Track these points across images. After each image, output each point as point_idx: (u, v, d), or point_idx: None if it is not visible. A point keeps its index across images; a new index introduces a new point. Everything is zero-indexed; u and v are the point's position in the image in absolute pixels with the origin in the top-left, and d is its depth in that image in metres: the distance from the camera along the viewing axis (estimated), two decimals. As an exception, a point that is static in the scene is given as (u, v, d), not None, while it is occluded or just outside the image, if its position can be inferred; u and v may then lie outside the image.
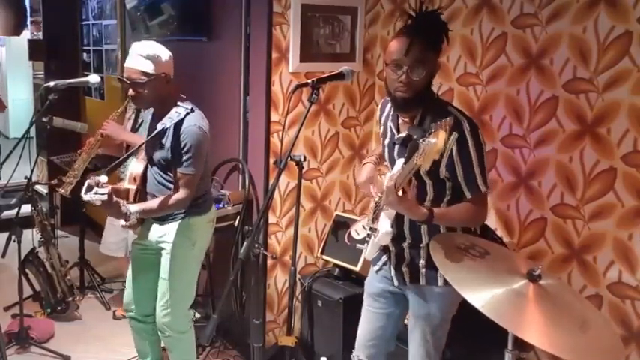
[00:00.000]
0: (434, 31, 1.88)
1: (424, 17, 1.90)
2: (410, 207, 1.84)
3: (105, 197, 2.17)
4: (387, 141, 2.08)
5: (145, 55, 2.35)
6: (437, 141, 1.58)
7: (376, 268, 2.19)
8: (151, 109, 2.61)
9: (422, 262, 2.03)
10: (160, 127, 2.41)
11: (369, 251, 2.09)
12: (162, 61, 2.37)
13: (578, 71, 2.34)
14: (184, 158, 2.39)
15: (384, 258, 2.14)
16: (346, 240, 2.25)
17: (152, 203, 2.46)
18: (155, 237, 2.60)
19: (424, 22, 1.88)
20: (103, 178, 2.21)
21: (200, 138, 2.39)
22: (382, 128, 2.12)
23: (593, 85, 2.29)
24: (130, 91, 2.40)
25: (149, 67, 2.35)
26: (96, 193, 2.16)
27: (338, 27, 3.09)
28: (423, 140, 1.61)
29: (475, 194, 1.90)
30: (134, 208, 2.35)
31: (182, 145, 2.38)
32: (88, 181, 2.19)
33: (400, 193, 1.81)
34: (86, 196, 2.16)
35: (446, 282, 1.97)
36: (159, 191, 2.52)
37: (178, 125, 2.38)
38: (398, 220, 2.00)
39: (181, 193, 2.43)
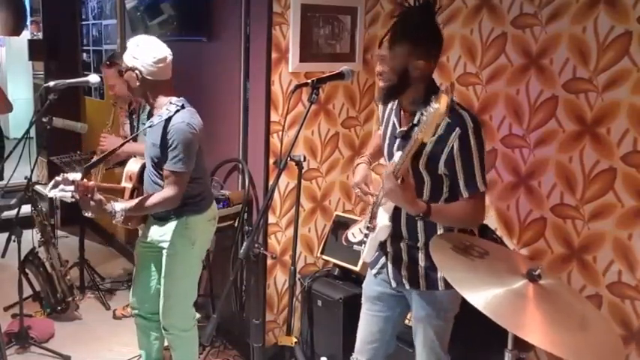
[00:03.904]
0: (409, 26, 1.85)
1: (406, 12, 1.89)
2: (409, 197, 1.80)
3: (69, 194, 2.14)
4: (387, 135, 2.07)
5: (128, 47, 2.41)
6: (439, 105, 1.56)
7: (374, 271, 2.18)
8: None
9: (421, 266, 2.02)
10: (148, 124, 2.42)
11: (367, 251, 2.08)
12: (137, 57, 2.38)
13: (578, 71, 2.34)
14: (172, 155, 2.38)
15: (382, 261, 2.13)
16: (343, 242, 2.25)
17: (139, 201, 2.45)
18: (155, 236, 2.61)
19: (403, 17, 1.88)
20: (76, 176, 2.17)
21: (188, 135, 2.37)
22: (384, 123, 2.12)
23: (593, 85, 2.29)
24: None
25: (127, 59, 2.40)
26: (61, 190, 2.13)
27: (338, 27, 3.09)
28: (425, 111, 1.59)
29: (473, 193, 1.88)
30: (119, 206, 2.34)
31: (169, 143, 2.37)
32: (56, 177, 2.16)
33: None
34: (50, 193, 2.14)
35: (447, 286, 1.97)
36: (154, 190, 2.51)
37: (167, 122, 2.38)
38: (395, 217, 1.99)
39: (169, 191, 2.41)
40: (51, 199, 5.05)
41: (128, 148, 2.87)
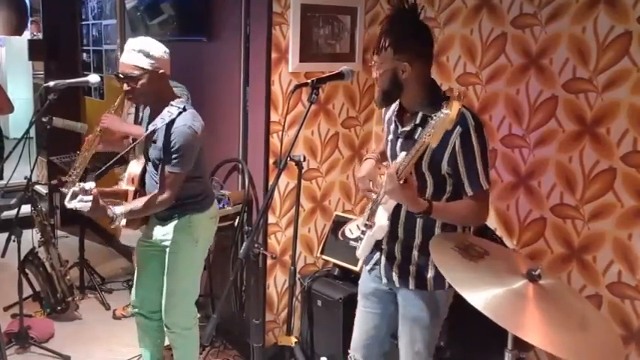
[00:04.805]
0: (391, 31, 1.87)
1: (389, 17, 1.91)
2: (410, 196, 1.80)
3: (89, 204, 2.15)
4: (390, 136, 2.08)
5: (137, 50, 2.34)
6: (450, 112, 1.57)
7: (368, 267, 2.19)
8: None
9: (413, 265, 2.02)
10: (151, 127, 2.41)
11: (362, 248, 2.08)
12: (154, 55, 2.35)
13: (578, 71, 2.34)
14: (172, 157, 2.38)
15: (376, 257, 2.13)
16: (340, 236, 2.25)
17: (136, 203, 2.45)
18: (158, 236, 2.62)
19: (387, 22, 1.90)
20: (89, 185, 2.18)
21: (190, 138, 2.38)
22: (386, 123, 2.12)
23: (593, 85, 2.29)
24: (125, 86, 2.40)
25: (141, 62, 2.34)
26: (80, 201, 2.14)
27: (338, 27, 3.09)
28: (434, 115, 1.60)
29: (476, 191, 1.89)
30: (119, 210, 2.34)
31: (172, 145, 2.37)
32: (72, 188, 2.16)
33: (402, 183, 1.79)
34: (70, 204, 2.14)
35: (435, 286, 1.98)
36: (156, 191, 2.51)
37: (170, 125, 2.38)
38: (393, 217, 1.99)
39: (164, 192, 2.42)
40: (51, 198, 5.07)
41: (137, 131, 2.89)
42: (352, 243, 2.14)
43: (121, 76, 2.37)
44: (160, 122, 2.38)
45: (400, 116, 2.03)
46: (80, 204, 2.14)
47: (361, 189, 2.17)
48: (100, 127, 3.17)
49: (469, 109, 1.89)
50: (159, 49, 2.38)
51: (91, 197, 2.16)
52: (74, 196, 2.15)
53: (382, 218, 1.97)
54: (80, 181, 3.17)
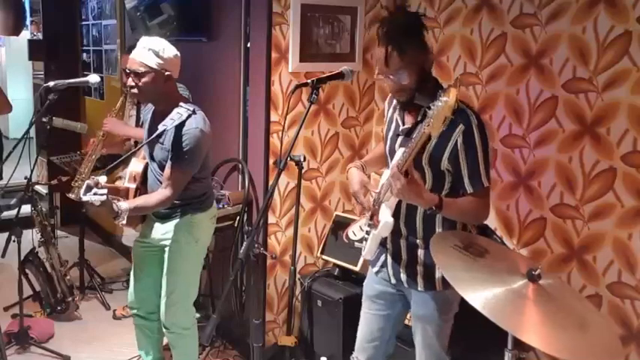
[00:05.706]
0: (406, 32, 1.84)
1: (393, 21, 1.87)
2: (420, 191, 1.79)
3: (104, 197, 2.18)
4: (390, 133, 2.07)
5: (148, 48, 2.37)
6: (448, 99, 1.55)
7: (375, 269, 2.18)
8: (151, 108, 2.62)
9: (420, 265, 2.02)
10: (161, 127, 2.42)
11: (368, 248, 2.08)
12: (164, 56, 2.37)
13: (578, 71, 2.34)
14: (180, 157, 2.40)
15: (382, 259, 2.13)
16: (344, 239, 2.24)
17: (140, 200, 2.47)
18: (158, 235, 2.62)
19: (394, 26, 1.85)
20: (102, 179, 2.23)
21: (200, 142, 2.41)
22: (387, 122, 2.12)
23: (593, 85, 2.29)
24: (129, 82, 2.41)
25: (150, 60, 2.36)
26: (95, 194, 2.17)
27: (338, 27, 3.09)
28: (432, 105, 1.59)
29: (478, 189, 1.89)
30: (124, 205, 2.35)
31: (183, 146, 2.39)
32: (87, 181, 2.21)
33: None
34: (85, 197, 2.18)
35: (444, 286, 1.98)
36: None
37: (180, 127, 2.39)
38: (394, 213, 1.98)
39: (168, 191, 2.43)
40: (51, 198, 5.07)
41: (138, 133, 2.91)
42: (357, 244, 2.13)
43: (128, 70, 2.40)
44: (169, 123, 2.39)
45: (402, 114, 2.03)
46: (95, 197, 2.17)
47: (359, 203, 2.15)
48: (102, 131, 3.18)
49: (471, 107, 1.90)
50: (170, 52, 2.40)
51: (105, 190, 2.19)
52: (89, 188, 2.19)
53: (386, 215, 1.97)
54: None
